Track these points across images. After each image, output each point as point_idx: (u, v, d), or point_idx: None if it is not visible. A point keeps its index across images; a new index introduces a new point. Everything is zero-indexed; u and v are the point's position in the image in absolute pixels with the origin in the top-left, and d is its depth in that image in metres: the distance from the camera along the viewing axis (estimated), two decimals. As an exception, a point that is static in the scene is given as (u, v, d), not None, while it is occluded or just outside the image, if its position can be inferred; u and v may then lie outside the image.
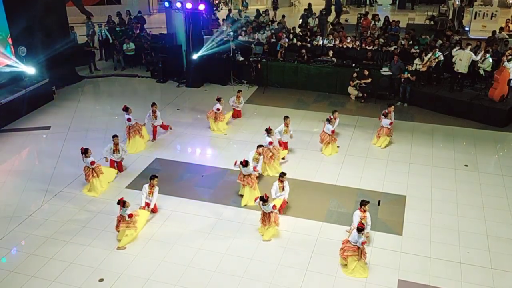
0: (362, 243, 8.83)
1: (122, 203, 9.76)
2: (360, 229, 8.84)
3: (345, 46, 18.86)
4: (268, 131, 12.33)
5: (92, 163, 11.42)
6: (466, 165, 12.88)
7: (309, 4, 24.69)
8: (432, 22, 24.02)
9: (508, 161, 13.14)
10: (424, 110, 16.17)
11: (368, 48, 18.39)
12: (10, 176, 12.59)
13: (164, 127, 14.62)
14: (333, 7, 26.29)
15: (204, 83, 18.84)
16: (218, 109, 14.48)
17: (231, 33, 19.26)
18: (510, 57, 15.24)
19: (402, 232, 10.25)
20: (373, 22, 21.83)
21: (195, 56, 17.99)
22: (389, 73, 16.90)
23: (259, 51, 18.58)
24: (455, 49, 16.15)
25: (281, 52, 18.55)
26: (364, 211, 9.55)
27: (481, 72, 15.86)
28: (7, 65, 15.90)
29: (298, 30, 21.18)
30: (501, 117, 15.03)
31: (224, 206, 11.17)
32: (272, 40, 19.57)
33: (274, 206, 9.89)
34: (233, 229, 10.38)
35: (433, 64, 16.28)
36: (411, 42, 18.46)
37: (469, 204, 11.21)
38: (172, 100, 17.30)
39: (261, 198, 9.81)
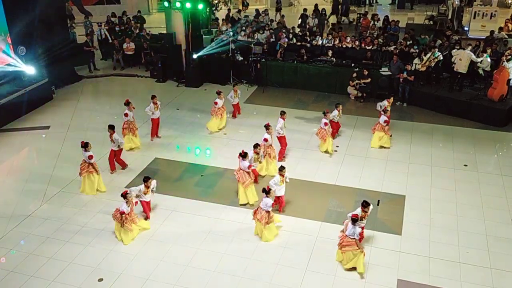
0: (360, 234, 8.85)
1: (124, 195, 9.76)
2: (355, 219, 8.86)
3: (344, 46, 18.86)
4: (267, 128, 12.34)
5: (90, 157, 11.35)
6: (466, 165, 12.89)
7: (316, 5, 24.78)
8: (431, 22, 24.05)
9: (507, 161, 13.15)
10: (424, 110, 16.18)
11: (367, 48, 18.40)
12: (10, 175, 12.59)
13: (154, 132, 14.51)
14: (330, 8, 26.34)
15: (204, 83, 18.84)
16: (215, 103, 14.46)
17: (231, 33, 19.27)
18: (509, 57, 15.26)
19: (401, 232, 10.25)
20: (372, 22, 21.85)
21: (194, 56, 17.99)
22: (389, 73, 16.91)
23: (259, 51, 18.58)
24: (454, 50, 16.16)
25: (281, 52, 18.56)
26: (366, 212, 9.35)
27: (480, 72, 15.86)
28: (7, 65, 15.89)
29: (297, 30, 21.17)
30: (500, 117, 15.04)
31: (223, 206, 11.17)
32: (272, 40, 19.57)
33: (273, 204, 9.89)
34: (232, 229, 10.38)
35: (433, 64, 16.29)
36: (410, 42, 18.46)
37: (469, 204, 11.22)
38: (172, 100, 17.30)
39: (264, 191, 9.81)
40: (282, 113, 12.97)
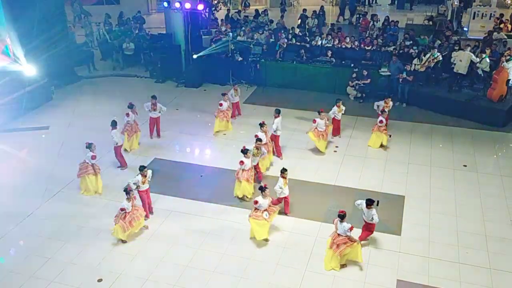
0: (350, 229, 8.90)
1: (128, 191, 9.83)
2: (342, 215, 8.92)
3: (344, 46, 18.87)
4: (261, 125, 12.35)
5: (93, 157, 11.37)
6: (465, 165, 12.90)
7: (322, 7, 24.80)
8: (430, 23, 24.02)
9: (506, 161, 13.16)
10: (423, 110, 16.19)
11: (367, 48, 18.40)
12: (9, 176, 12.57)
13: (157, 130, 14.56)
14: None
15: (203, 83, 18.84)
16: (220, 104, 14.43)
17: (230, 34, 19.28)
18: (508, 57, 15.27)
19: (400, 232, 10.26)
20: (371, 22, 21.85)
21: (194, 56, 17.99)
22: (388, 73, 16.92)
23: (258, 51, 18.58)
24: (455, 52, 16.12)
25: (280, 52, 18.56)
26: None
27: (480, 72, 15.88)
28: (6, 65, 15.86)
29: (297, 30, 21.17)
30: (499, 117, 15.05)
31: (223, 206, 11.17)
32: (271, 40, 19.58)
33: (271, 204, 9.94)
34: (232, 229, 10.39)
35: (432, 65, 16.31)
36: (410, 42, 18.46)
37: (468, 204, 11.23)
38: (171, 100, 17.28)
39: (261, 188, 9.86)
40: (277, 112, 12.95)
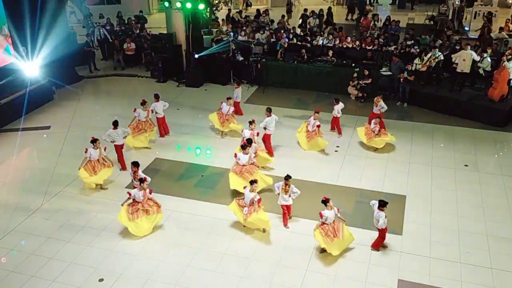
0: (337, 210, 9.38)
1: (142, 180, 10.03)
2: (324, 200, 9.34)
3: (345, 46, 18.86)
4: (250, 123, 12.41)
5: (85, 150, 11.50)
6: (466, 165, 12.88)
7: (329, 8, 24.80)
8: (431, 22, 24.03)
9: (507, 161, 13.14)
10: (424, 110, 16.18)
11: (368, 48, 18.39)
12: (10, 176, 12.58)
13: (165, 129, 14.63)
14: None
15: (204, 83, 18.84)
16: (221, 108, 14.39)
17: (232, 34, 19.27)
18: (510, 56, 15.25)
19: (402, 231, 10.25)
20: (372, 22, 21.84)
21: (196, 56, 17.98)
22: (389, 73, 16.91)
23: (259, 51, 18.58)
24: (456, 53, 16.06)
25: (281, 52, 18.55)
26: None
27: (481, 72, 15.86)
28: (7, 65, 15.89)
29: (298, 30, 21.16)
30: (501, 117, 15.03)
31: (224, 206, 11.14)
32: (272, 40, 19.57)
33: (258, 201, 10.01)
34: (232, 229, 10.39)
35: (433, 64, 16.28)
36: (411, 41, 18.44)
37: (469, 204, 11.21)
38: (172, 100, 17.26)
39: (251, 182, 10.04)
40: (269, 111, 12.97)
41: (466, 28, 22.25)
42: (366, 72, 16.79)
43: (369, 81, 16.77)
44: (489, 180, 12.18)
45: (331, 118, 14.57)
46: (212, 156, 13.71)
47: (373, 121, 13.45)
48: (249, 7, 29.11)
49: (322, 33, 20.38)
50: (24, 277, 9.08)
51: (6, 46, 15.88)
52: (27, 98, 15.89)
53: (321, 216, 9.43)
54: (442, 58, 16.33)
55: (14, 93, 15.69)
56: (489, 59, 15.65)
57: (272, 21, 22.54)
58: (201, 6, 17.62)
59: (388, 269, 9.25)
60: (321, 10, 24.51)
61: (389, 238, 10.02)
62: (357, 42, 18.81)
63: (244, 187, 10.25)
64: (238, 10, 25.95)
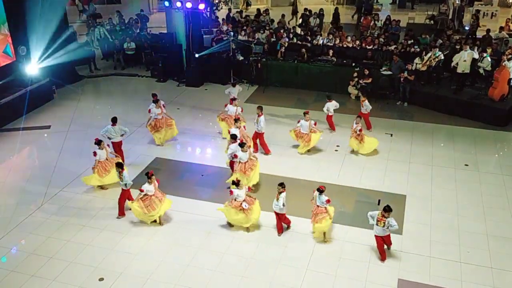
0: (327, 201, 9.59)
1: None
2: (321, 190, 9.54)
3: (345, 46, 18.85)
4: (236, 121, 12.41)
5: (94, 154, 11.42)
6: (466, 165, 12.88)
7: (336, 9, 24.83)
8: (432, 22, 24.01)
9: (508, 161, 13.14)
10: (424, 109, 16.17)
11: (368, 47, 18.38)
12: (10, 175, 12.59)
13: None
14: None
15: (204, 83, 18.84)
16: (225, 108, 14.33)
17: (232, 33, 19.26)
18: (510, 56, 15.24)
19: (402, 231, 10.24)
20: (373, 22, 21.82)
21: (197, 55, 17.98)
22: (389, 72, 16.90)
23: (259, 50, 18.57)
24: (457, 55, 15.99)
25: (281, 52, 18.55)
26: (383, 215, 9.14)
27: (481, 71, 15.86)
28: (7, 65, 15.88)
29: (298, 29, 21.15)
30: (501, 116, 15.02)
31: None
32: (272, 39, 19.57)
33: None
34: (232, 229, 10.39)
35: (433, 64, 16.28)
36: (412, 41, 18.43)
37: (469, 204, 11.21)
38: (172, 99, 17.30)
39: (233, 182, 10.19)
40: (261, 110, 12.94)
41: (466, 28, 22.24)
42: (366, 72, 16.78)
43: (369, 80, 16.76)
44: (489, 180, 12.18)
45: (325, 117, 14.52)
46: (212, 156, 13.69)
47: (354, 120, 13.27)
48: (249, 7, 29.10)
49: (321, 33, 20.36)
50: (24, 277, 9.09)
51: (6, 45, 15.88)
52: (28, 98, 15.93)
53: (231, 193, 10.02)
54: (442, 57, 16.33)
55: (15, 92, 15.69)
56: (489, 59, 15.64)
57: (272, 21, 22.54)
58: (201, 6, 17.59)
59: (388, 268, 9.25)
60: (321, 9, 24.49)
61: (389, 237, 10.05)
62: (357, 42, 18.80)
63: (231, 191, 10.14)
64: (238, 10, 25.95)
